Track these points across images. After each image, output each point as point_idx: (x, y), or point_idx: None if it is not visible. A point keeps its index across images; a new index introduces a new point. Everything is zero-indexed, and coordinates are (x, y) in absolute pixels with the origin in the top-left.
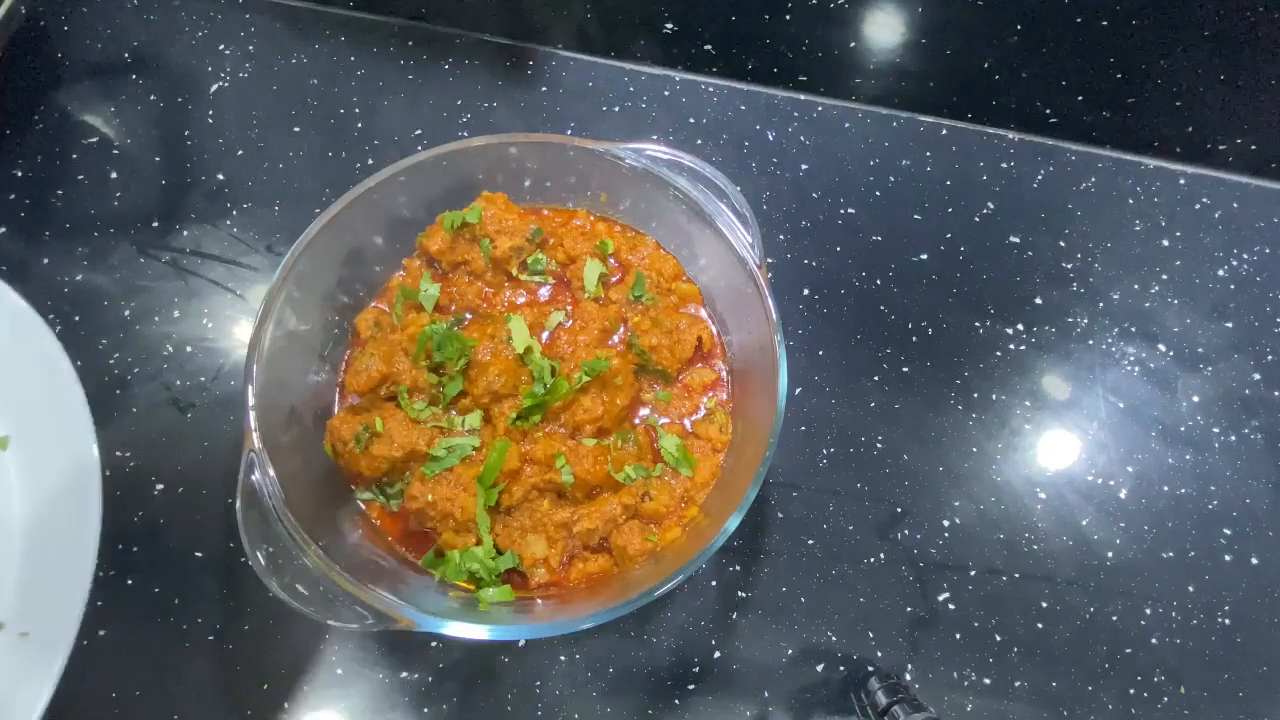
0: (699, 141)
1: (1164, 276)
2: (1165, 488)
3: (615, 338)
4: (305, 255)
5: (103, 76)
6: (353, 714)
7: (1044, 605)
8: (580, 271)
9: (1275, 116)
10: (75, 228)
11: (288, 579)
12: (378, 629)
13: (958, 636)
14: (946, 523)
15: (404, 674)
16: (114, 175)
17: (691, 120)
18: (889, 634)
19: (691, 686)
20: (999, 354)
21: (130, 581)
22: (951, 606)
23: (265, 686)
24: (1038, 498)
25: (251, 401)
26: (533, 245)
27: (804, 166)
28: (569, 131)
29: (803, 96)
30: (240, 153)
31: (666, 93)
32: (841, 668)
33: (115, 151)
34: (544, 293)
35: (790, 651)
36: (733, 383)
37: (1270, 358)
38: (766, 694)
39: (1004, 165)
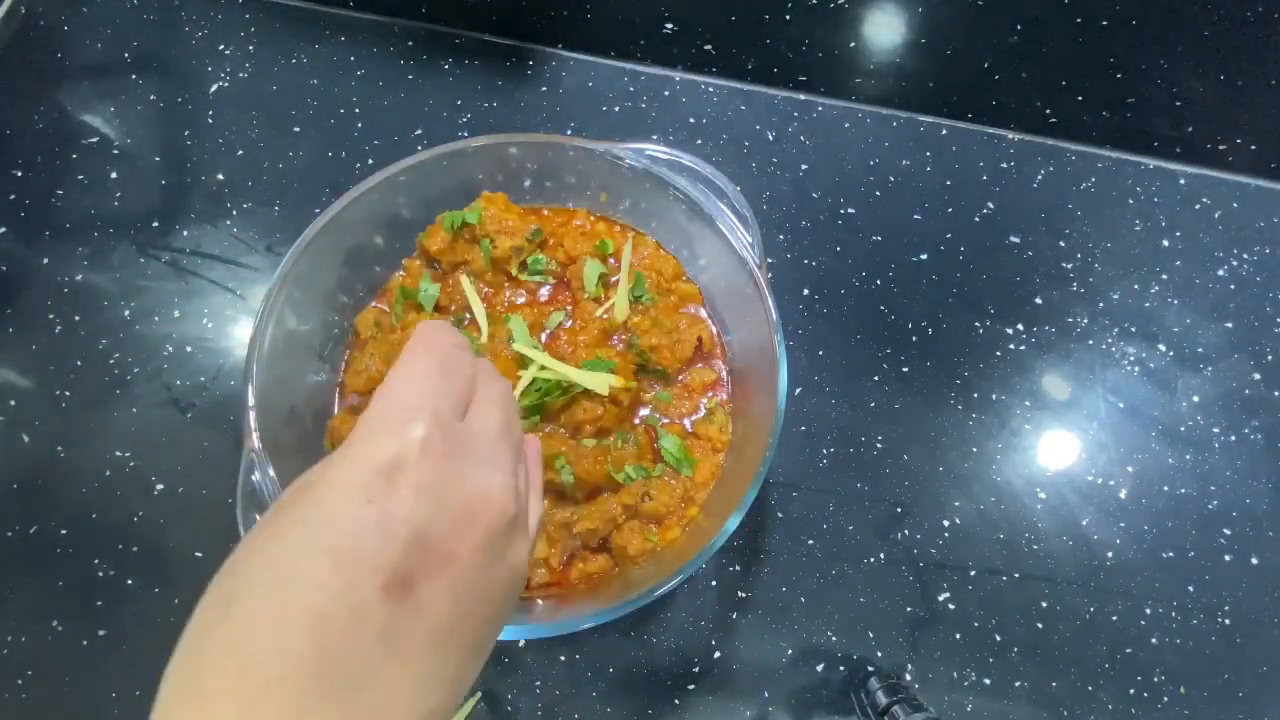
0: (699, 141)
1: (1164, 276)
2: (1165, 488)
3: (615, 338)
4: (305, 255)
5: (103, 76)
6: None
7: (1044, 605)
8: (580, 271)
9: (1275, 116)
10: (75, 228)
11: None
12: None
13: (958, 636)
14: (946, 523)
15: None
16: (114, 175)
17: (691, 120)
18: (889, 634)
19: (691, 686)
20: (999, 354)
21: (130, 581)
22: (951, 606)
23: None
24: (1038, 498)
25: (251, 401)
26: (533, 245)
27: (804, 166)
28: (569, 131)
29: (803, 96)
30: (240, 153)
31: (666, 93)
32: (841, 668)
33: (115, 151)
34: (544, 293)
35: (790, 651)
36: (733, 383)
37: (1270, 358)
38: (766, 694)
39: (1004, 165)
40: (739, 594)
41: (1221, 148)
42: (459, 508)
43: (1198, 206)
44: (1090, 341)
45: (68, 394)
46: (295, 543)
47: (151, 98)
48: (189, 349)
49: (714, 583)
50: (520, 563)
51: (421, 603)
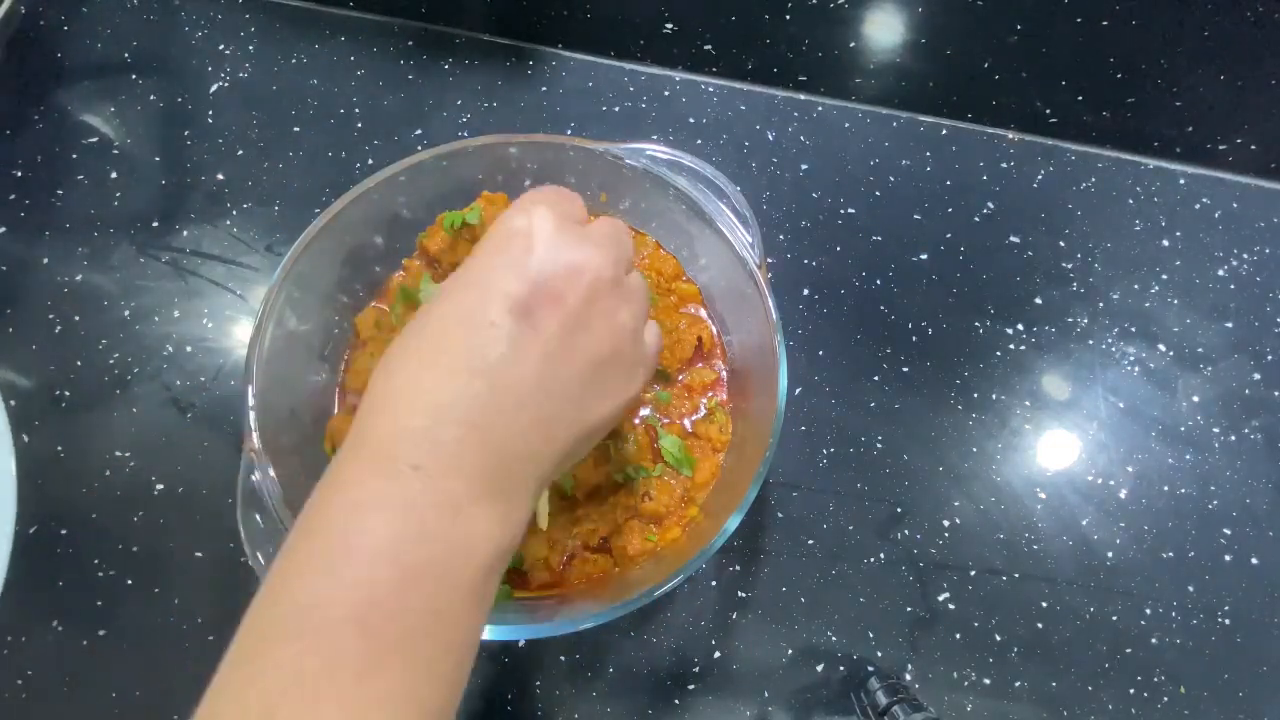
0: (699, 141)
1: (1164, 276)
2: (1165, 488)
3: None
4: (305, 255)
5: (103, 76)
6: None
7: (1044, 605)
8: None
9: (1275, 116)
10: (75, 228)
11: None
12: None
13: (958, 636)
14: (946, 523)
15: None
16: (114, 175)
17: (691, 120)
18: (889, 634)
19: (691, 686)
20: (999, 354)
21: (130, 581)
22: (951, 606)
23: None
24: (1038, 498)
25: (251, 402)
26: None
27: (804, 166)
28: (569, 131)
29: (803, 96)
30: (240, 153)
31: (666, 93)
32: (841, 668)
33: (115, 151)
34: None
35: (790, 651)
36: (733, 383)
37: (1270, 358)
38: (766, 694)
39: (1004, 165)
40: (739, 594)
41: (1221, 148)
42: (567, 265)
43: (1198, 206)
44: (1090, 341)
45: (68, 394)
46: (457, 283)
47: (151, 98)
48: (189, 349)
49: (714, 583)
50: (626, 330)
51: (537, 324)
